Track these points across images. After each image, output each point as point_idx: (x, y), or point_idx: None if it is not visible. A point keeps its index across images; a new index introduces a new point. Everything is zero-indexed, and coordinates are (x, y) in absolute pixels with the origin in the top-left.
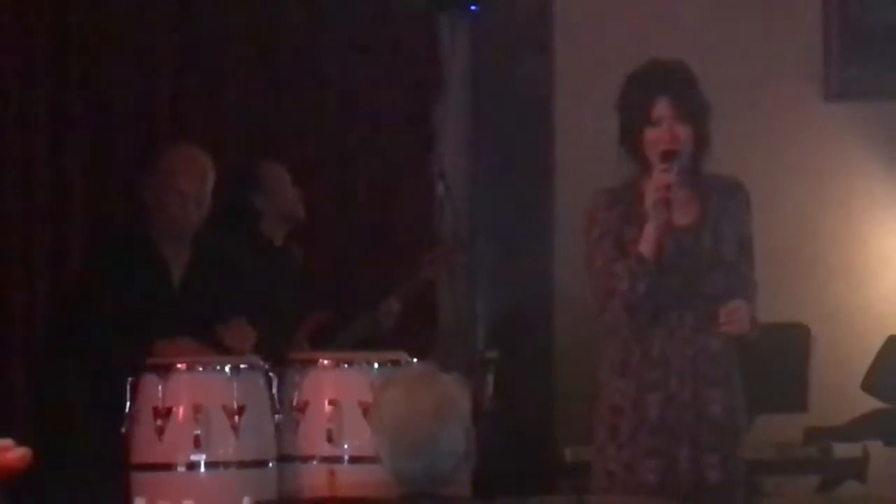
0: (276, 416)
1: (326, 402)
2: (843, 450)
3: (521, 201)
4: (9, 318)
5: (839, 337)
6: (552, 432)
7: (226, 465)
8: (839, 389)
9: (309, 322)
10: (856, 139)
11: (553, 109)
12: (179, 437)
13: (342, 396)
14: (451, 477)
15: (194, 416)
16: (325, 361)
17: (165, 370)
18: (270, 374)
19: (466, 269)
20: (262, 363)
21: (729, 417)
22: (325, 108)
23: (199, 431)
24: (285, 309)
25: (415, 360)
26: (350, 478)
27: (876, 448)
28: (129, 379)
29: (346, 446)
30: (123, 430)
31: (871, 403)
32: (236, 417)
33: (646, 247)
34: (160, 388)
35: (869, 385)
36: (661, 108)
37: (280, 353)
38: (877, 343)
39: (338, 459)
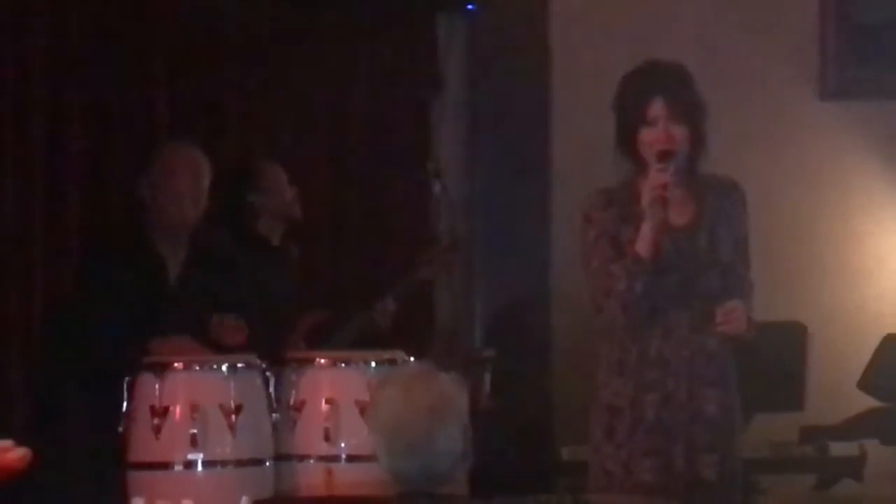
0: (273, 415)
1: (323, 401)
2: (839, 448)
3: (517, 201)
4: (7, 318)
5: (836, 336)
6: (549, 431)
7: (223, 463)
8: (836, 388)
9: (306, 321)
10: (852, 138)
11: (550, 109)
12: (176, 436)
13: (339, 395)
14: (449, 476)
15: (191, 415)
16: (322, 360)
17: (162, 369)
18: (267, 373)
19: (463, 268)
20: (259, 362)
21: (725, 417)
22: (321, 107)
23: (195, 430)
24: (282, 308)
25: (412, 359)
26: (347, 477)
27: (873, 447)
28: (126, 378)
29: (343, 445)
30: (121, 429)
31: (867, 402)
32: (233, 416)
33: (642, 247)
34: (157, 386)
35: (865, 384)
36: (657, 108)
37: (277, 352)
38: (873, 342)
39: (335, 458)
